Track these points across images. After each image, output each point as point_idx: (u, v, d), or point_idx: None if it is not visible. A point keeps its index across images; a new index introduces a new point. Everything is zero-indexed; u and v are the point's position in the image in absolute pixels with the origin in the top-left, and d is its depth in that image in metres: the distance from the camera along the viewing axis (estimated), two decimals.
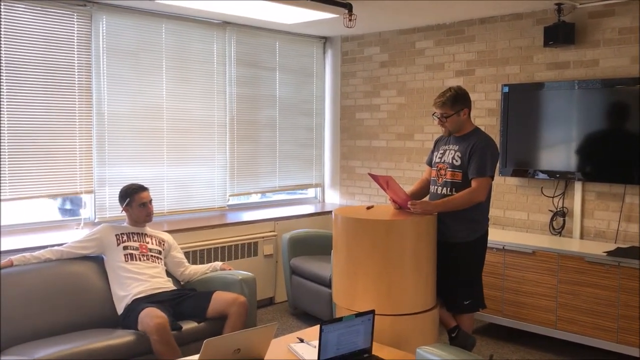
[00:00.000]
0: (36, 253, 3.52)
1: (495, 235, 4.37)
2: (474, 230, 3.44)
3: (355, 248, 3.24)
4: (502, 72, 4.84)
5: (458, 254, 3.41)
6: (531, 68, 4.67)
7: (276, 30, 5.58)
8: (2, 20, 3.97)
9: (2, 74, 3.99)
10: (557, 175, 4.46)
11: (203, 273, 3.91)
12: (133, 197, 3.74)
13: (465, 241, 3.41)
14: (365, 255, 3.19)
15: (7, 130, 4.03)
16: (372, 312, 2.67)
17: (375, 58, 5.76)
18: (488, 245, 3.59)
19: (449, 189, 3.43)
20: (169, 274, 3.82)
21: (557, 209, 4.55)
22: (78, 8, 4.32)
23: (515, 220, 4.80)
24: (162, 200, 4.86)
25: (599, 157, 4.29)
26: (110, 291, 3.58)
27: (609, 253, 3.89)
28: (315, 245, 4.98)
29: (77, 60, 4.35)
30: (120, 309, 3.51)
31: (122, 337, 3.19)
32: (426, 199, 3.61)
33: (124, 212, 3.80)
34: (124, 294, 3.52)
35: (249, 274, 3.82)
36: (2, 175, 4.01)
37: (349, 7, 4.33)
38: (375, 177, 3.50)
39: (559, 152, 4.48)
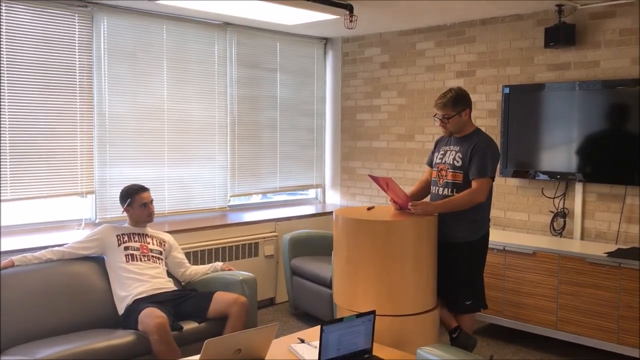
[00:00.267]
0: (37, 253, 3.52)
1: (496, 236, 4.37)
2: (475, 230, 3.44)
3: (356, 249, 3.24)
4: (502, 73, 4.85)
5: (459, 254, 3.42)
6: (532, 69, 4.67)
7: (277, 31, 5.59)
8: (3, 21, 3.98)
9: (3, 75, 3.99)
10: (558, 176, 4.46)
11: (204, 273, 3.91)
12: (134, 197, 3.75)
13: (466, 241, 3.42)
14: (365, 256, 3.20)
15: (9, 130, 4.04)
16: (373, 312, 2.68)
17: (375, 59, 5.76)
18: (489, 246, 3.59)
19: (450, 189, 3.43)
20: (169, 274, 3.82)
21: (557, 209, 4.55)
22: (79, 9, 4.33)
23: (516, 221, 4.80)
24: (163, 201, 4.86)
25: (600, 158, 4.29)
26: (111, 291, 3.58)
27: (610, 254, 3.89)
28: (316, 245, 4.99)
29: (78, 61, 4.36)
30: (121, 309, 3.51)
31: (122, 338, 3.19)
32: (427, 199, 3.61)
33: (124, 212, 3.80)
34: (124, 294, 3.52)
35: (250, 274, 3.82)
36: (3, 175, 4.02)
37: (349, 8, 4.34)
38: (375, 179, 3.50)
39: (559, 153, 4.48)
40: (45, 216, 4.37)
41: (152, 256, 3.72)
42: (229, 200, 5.42)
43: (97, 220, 4.48)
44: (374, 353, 2.70)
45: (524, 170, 4.64)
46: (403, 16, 4.93)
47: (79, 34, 4.35)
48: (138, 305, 3.39)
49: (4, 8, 3.97)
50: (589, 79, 4.35)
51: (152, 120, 4.79)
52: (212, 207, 5.27)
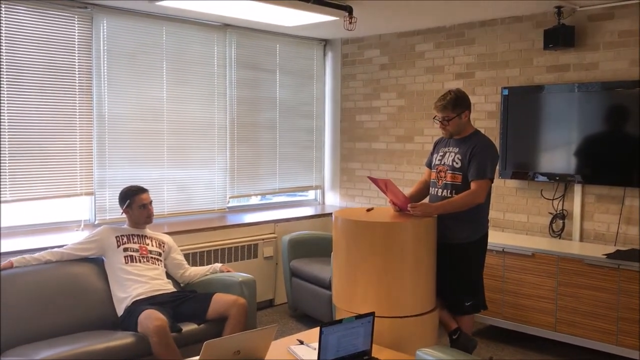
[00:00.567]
0: (36, 255, 3.52)
1: (495, 238, 4.37)
2: (475, 231, 3.44)
3: (355, 250, 3.24)
4: (502, 75, 4.85)
5: (459, 254, 3.42)
6: (531, 71, 4.68)
7: (276, 33, 5.59)
8: (3, 22, 3.98)
9: (3, 76, 3.99)
10: (557, 178, 4.47)
11: (203, 275, 3.91)
12: (133, 198, 3.75)
13: (465, 242, 3.42)
14: (365, 257, 3.20)
15: (8, 132, 4.04)
16: (372, 314, 2.68)
17: (375, 60, 5.77)
18: (488, 247, 3.60)
19: (449, 191, 3.43)
20: (169, 275, 3.83)
21: (556, 211, 4.55)
22: (79, 10, 4.33)
23: (515, 222, 4.81)
24: (162, 202, 4.86)
25: (599, 160, 4.30)
26: (110, 293, 3.58)
27: (609, 255, 3.89)
28: (315, 247, 4.99)
29: (78, 62, 4.36)
30: (120, 311, 3.51)
31: (121, 339, 3.19)
32: (426, 200, 3.61)
33: (124, 214, 3.81)
34: (124, 296, 3.52)
35: (249, 275, 3.82)
36: (2, 177, 4.02)
37: (349, 10, 4.35)
38: (374, 180, 3.50)
39: (558, 154, 4.49)
40: (45, 217, 4.37)
41: (152, 257, 3.72)
42: (228, 202, 5.42)
43: (96, 222, 4.48)
44: (373, 355, 2.70)
45: (523, 171, 4.64)
46: (402, 18, 4.94)
47: (78, 35, 4.35)
48: (137, 306, 3.39)
49: (3, 9, 3.97)
50: (588, 80, 4.36)
51: (151, 122, 4.79)
52: (212, 209, 5.26)
